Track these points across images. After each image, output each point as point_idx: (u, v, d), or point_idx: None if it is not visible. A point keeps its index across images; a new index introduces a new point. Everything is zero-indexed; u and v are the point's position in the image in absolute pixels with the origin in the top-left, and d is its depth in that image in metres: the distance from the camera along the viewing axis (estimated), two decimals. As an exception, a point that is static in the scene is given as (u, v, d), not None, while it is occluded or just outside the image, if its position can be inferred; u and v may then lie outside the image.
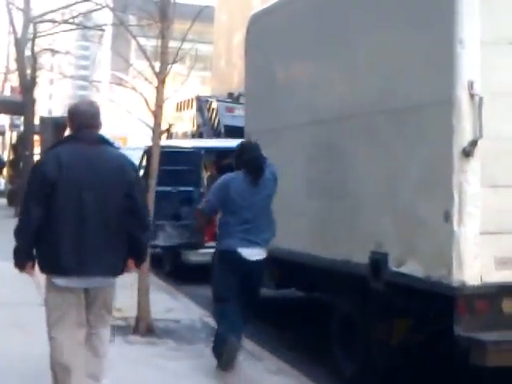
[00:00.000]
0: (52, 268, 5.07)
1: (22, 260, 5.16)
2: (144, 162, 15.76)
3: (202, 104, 20.40)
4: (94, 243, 5.02)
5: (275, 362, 7.39)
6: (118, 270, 5.22)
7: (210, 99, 20.83)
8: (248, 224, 6.88)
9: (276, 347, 8.01)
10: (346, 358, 7.05)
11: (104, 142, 5.31)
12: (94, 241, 5.02)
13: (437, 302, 5.80)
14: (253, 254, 6.91)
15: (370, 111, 6.50)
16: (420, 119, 5.86)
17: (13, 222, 11.19)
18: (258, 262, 6.96)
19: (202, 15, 9.33)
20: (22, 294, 9.70)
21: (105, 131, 20.30)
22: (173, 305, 9.89)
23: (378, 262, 6.22)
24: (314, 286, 8.31)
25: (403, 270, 5.96)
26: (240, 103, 18.63)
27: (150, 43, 9.84)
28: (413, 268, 5.84)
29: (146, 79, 9.11)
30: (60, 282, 5.06)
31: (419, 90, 5.88)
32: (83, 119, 5.25)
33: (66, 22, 23.42)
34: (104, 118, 5.84)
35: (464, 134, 5.41)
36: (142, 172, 15.84)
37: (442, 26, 5.63)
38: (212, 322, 8.97)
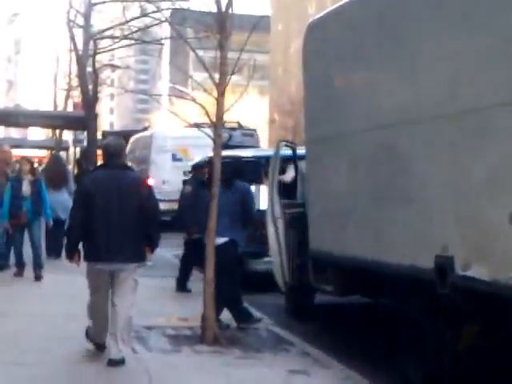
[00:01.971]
0: (90, 256, 7.23)
1: (71, 252, 7.37)
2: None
3: None
4: (117, 239, 7.10)
5: (343, 370, 7.37)
6: (135, 258, 7.29)
7: None
8: None
9: (342, 355, 7.97)
10: (413, 364, 6.98)
11: (125, 167, 7.64)
12: (117, 237, 7.10)
13: (504, 306, 5.72)
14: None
15: (433, 115, 6.44)
16: (485, 122, 5.80)
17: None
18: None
19: (258, 25, 9.38)
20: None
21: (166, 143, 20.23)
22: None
23: (444, 265, 6.16)
24: (380, 292, 8.25)
25: (470, 273, 5.89)
26: None
27: (208, 55, 9.92)
28: (479, 271, 5.78)
29: (205, 90, 9.18)
30: (95, 265, 7.23)
31: (483, 92, 5.82)
32: (111, 152, 7.47)
33: (125, 37, 23.76)
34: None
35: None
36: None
37: (503, 29, 5.57)
38: (279, 330, 9.01)
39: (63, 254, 9.11)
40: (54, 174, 14.26)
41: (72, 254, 7.31)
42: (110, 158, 7.46)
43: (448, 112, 6.26)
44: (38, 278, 11.82)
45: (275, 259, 9.60)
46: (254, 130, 24.53)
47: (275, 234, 9.56)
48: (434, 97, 6.50)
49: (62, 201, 13.52)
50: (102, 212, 7.13)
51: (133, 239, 7.16)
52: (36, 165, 20.25)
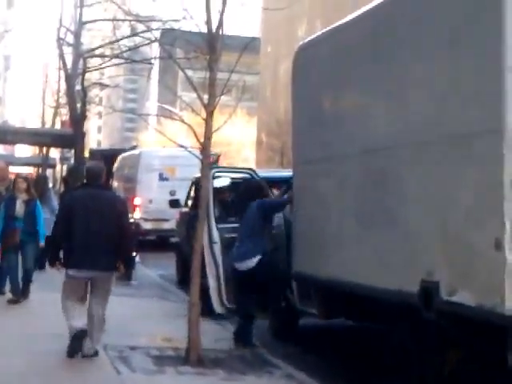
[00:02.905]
0: (68, 263, 8.08)
1: (52, 260, 8.24)
2: (192, 193, 15.92)
3: None
4: (93, 250, 7.93)
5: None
6: (110, 267, 8.10)
7: None
8: None
9: (327, 377, 7.96)
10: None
11: (103, 188, 8.64)
12: (93, 248, 7.93)
13: (489, 332, 5.73)
14: None
15: (420, 140, 6.48)
16: (470, 148, 5.84)
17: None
18: None
19: (248, 46, 9.43)
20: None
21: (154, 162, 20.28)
22: (222, 335, 9.88)
23: (429, 290, 6.17)
24: (365, 316, 8.26)
25: (455, 298, 5.90)
26: None
27: (197, 75, 9.95)
28: (464, 297, 5.79)
29: (193, 111, 9.21)
30: (72, 272, 8.09)
31: (469, 119, 5.86)
32: (91, 174, 8.50)
33: (115, 56, 23.78)
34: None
35: (514, 162, 5.39)
36: (189, 202, 16.08)
37: (490, 54, 5.63)
38: (263, 352, 8.98)
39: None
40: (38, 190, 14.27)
41: (54, 261, 8.22)
42: (90, 179, 8.49)
43: (434, 137, 6.29)
44: (15, 301, 11.14)
45: (212, 283, 9.61)
46: (215, 154, 24.61)
47: (212, 258, 9.59)
48: (420, 122, 6.54)
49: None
50: (81, 225, 8.04)
51: (108, 250, 8.01)
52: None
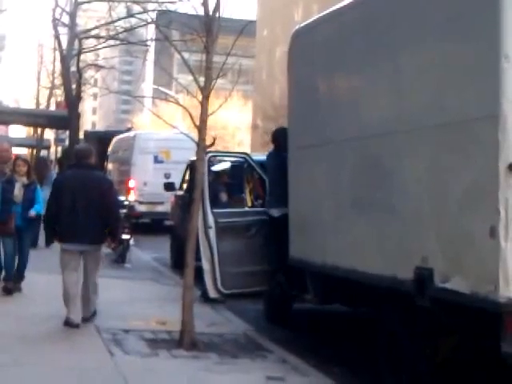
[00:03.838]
0: (61, 238, 8.91)
1: (49, 236, 9.12)
2: (187, 176, 15.90)
3: None
4: (82, 225, 8.69)
5: (321, 377, 7.37)
6: (98, 240, 8.99)
7: None
8: None
9: (320, 362, 7.98)
10: (390, 373, 6.99)
11: (91, 168, 9.19)
12: (82, 223, 8.69)
13: (483, 319, 5.74)
14: None
15: (415, 127, 6.47)
16: (465, 134, 5.83)
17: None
18: None
19: (244, 30, 9.38)
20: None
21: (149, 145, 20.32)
22: (216, 319, 9.92)
23: (423, 277, 6.17)
24: (360, 302, 8.27)
25: (449, 285, 5.91)
26: None
27: (193, 58, 9.91)
28: (458, 284, 5.79)
29: (189, 93, 9.19)
30: (64, 246, 8.90)
31: (465, 105, 5.85)
32: (80, 155, 9.23)
33: (111, 37, 23.66)
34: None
35: (510, 149, 5.38)
36: (184, 186, 16.07)
37: (487, 41, 5.61)
38: (257, 336, 9.01)
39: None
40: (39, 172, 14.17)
41: (51, 238, 9.11)
42: (79, 160, 9.21)
43: (430, 124, 6.28)
44: (8, 290, 10.48)
45: (206, 267, 9.62)
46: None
47: (207, 242, 9.59)
48: (416, 108, 6.52)
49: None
50: (71, 203, 8.76)
51: (96, 225, 8.79)
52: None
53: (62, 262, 8.99)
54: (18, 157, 11.27)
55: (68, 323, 8.74)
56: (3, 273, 10.73)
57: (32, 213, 10.65)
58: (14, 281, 10.61)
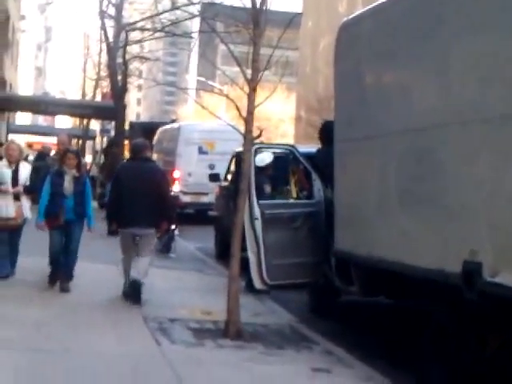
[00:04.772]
0: (120, 224, 9.84)
1: (111, 223, 10.10)
2: (232, 168, 15.95)
3: None
4: (139, 211, 9.55)
5: (366, 370, 7.38)
6: (153, 225, 9.79)
7: None
8: None
9: (365, 354, 7.98)
10: (436, 367, 6.96)
11: (146, 160, 10.12)
12: (139, 210, 9.54)
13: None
14: None
15: (467, 118, 6.41)
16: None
17: (103, 225, 11.51)
18: None
19: (287, 22, 9.38)
20: (116, 295, 9.99)
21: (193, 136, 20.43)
22: (261, 309, 9.97)
23: (472, 271, 6.12)
24: (405, 295, 8.23)
25: (498, 280, 5.85)
26: None
27: (238, 49, 9.94)
28: (508, 278, 5.74)
29: (236, 85, 9.22)
30: (123, 230, 9.87)
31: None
32: (137, 149, 10.19)
33: (156, 30, 23.76)
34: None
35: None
36: (229, 177, 16.13)
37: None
38: (302, 328, 9.03)
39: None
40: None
41: (112, 227, 10.08)
42: (136, 153, 10.15)
43: (482, 115, 6.21)
44: (64, 289, 10.08)
45: (252, 258, 9.63)
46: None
47: (253, 233, 9.59)
48: (468, 100, 6.45)
49: None
50: (129, 192, 9.65)
51: (151, 212, 9.62)
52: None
53: (121, 245, 10.00)
54: (68, 149, 10.91)
55: (126, 295, 9.79)
56: (49, 269, 10.30)
57: (92, 229, 10.37)
58: (61, 281, 10.13)
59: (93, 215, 10.45)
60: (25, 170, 10.49)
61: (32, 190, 10.46)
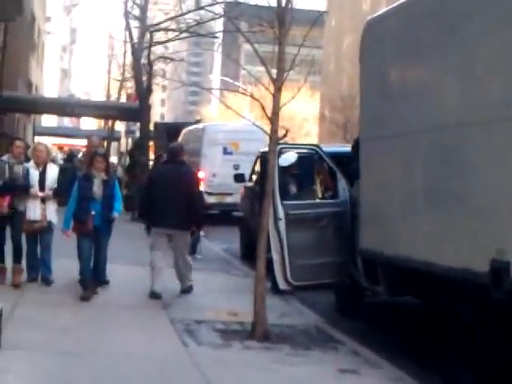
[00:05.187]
0: (154, 223, 10.30)
1: (146, 223, 10.64)
2: (257, 168, 15.94)
3: None
4: (171, 212, 9.99)
5: (393, 370, 7.34)
6: (184, 226, 10.22)
7: None
8: None
9: (392, 355, 7.94)
10: (464, 367, 6.92)
11: (180, 163, 10.49)
12: (172, 210, 9.98)
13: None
14: None
15: (494, 116, 6.35)
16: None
17: (129, 227, 11.67)
18: None
19: (311, 20, 9.34)
20: (142, 297, 10.02)
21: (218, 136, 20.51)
22: (287, 310, 9.95)
23: (500, 270, 6.08)
24: (432, 294, 8.17)
25: (526, 279, 5.81)
26: None
27: (262, 49, 9.92)
28: (536, 277, 5.69)
29: (261, 84, 9.21)
30: (156, 229, 10.31)
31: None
32: (172, 152, 10.71)
33: (181, 31, 23.77)
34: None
35: None
36: (254, 177, 16.12)
37: None
38: (328, 328, 9.00)
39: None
40: None
41: (149, 227, 10.46)
42: (171, 156, 10.68)
43: (507, 114, 6.15)
44: (85, 298, 9.59)
45: (276, 258, 9.60)
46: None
47: (277, 234, 9.56)
48: (495, 98, 6.39)
49: None
50: (163, 193, 10.05)
51: (182, 213, 10.01)
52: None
53: (153, 242, 10.42)
54: (96, 152, 10.65)
55: (152, 295, 10.05)
56: (79, 277, 9.95)
57: (115, 214, 10.29)
58: (91, 288, 9.83)
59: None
60: (52, 172, 10.36)
61: (59, 193, 10.28)
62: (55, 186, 10.25)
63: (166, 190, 10.06)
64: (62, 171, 10.56)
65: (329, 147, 11.87)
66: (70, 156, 21.74)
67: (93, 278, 9.99)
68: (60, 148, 41.58)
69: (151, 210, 10.28)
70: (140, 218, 11.23)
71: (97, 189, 9.82)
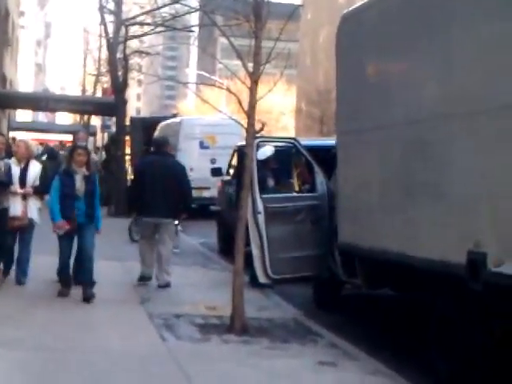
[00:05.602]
0: (141, 212, 10.84)
1: (131, 209, 11.56)
2: (234, 162, 15.93)
3: None
4: (158, 201, 10.36)
5: (372, 362, 7.37)
6: (170, 215, 10.65)
7: None
8: None
9: (370, 347, 7.97)
10: (442, 358, 6.96)
11: (166, 154, 11.00)
12: (159, 200, 10.36)
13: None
14: None
15: (469, 110, 6.38)
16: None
17: (107, 222, 11.60)
18: None
19: (287, 13, 9.33)
20: (120, 292, 9.98)
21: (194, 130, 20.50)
22: (265, 303, 9.96)
23: (476, 262, 6.12)
24: (410, 286, 8.22)
25: (502, 270, 5.85)
26: None
27: (237, 42, 9.90)
28: (512, 268, 5.73)
29: (238, 79, 9.20)
30: (144, 219, 10.80)
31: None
32: (158, 144, 11.27)
33: (157, 25, 23.68)
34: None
35: None
36: (231, 171, 16.10)
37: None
38: (307, 321, 9.02)
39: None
40: None
41: (132, 210, 11.48)
42: (157, 148, 11.13)
43: (485, 107, 6.19)
44: (87, 298, 9.28)
45: (255, 252, 9.61)
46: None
47: (256, 227, 9.57)
48: (470, 91, 6.43)
49: None
50: (150, 183, 10.41)
51: (170, 202, 10.39)
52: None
53: (141, 233, 11.22)
54: (76, 145, 10.24)
55: (142, 278, 10.75)
56: (58, 273, 9.71)
57: (98, 231, 9.64)
58: (84, 289, 9.39)
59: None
60: (34, 169, 10.17)
61: (40, 191, 10.08)
62: (37, 182, 10.09)
63: (152, 179, 10.44)
64: (45, 168, 10.38)
65: (306, 140, 11.88)
66: (52, 152, 21.27)
67: (77, 279, 9.65)
68: (41, 144, 41.28)
69: (139, 200, 10.67)
70: (130, 210, 11.85)
71: (79, 185, 9.32)
